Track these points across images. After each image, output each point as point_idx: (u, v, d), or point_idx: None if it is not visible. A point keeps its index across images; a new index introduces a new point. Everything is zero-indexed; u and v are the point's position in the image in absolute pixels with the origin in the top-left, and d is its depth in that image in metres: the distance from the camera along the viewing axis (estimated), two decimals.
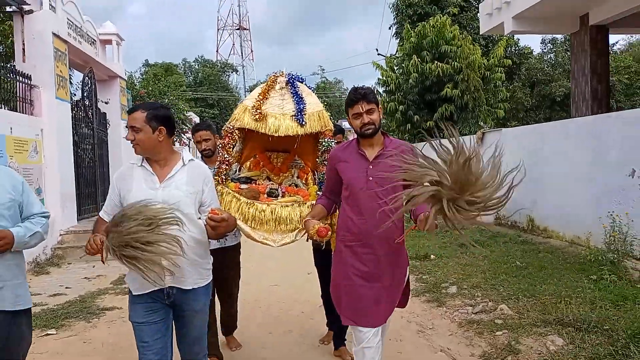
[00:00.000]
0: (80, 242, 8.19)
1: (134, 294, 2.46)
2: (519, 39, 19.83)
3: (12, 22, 11.06)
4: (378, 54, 20.13)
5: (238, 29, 68.23)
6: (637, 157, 5.77)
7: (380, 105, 2.68)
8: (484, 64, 13.32)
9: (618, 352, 3.19)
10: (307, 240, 2.81)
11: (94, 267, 7.22)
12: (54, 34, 8.77)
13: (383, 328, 2.68)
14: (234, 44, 67.21)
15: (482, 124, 13.72)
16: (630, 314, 3.78)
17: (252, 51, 68.65)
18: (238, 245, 3.86)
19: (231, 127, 3.39)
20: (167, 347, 2.48)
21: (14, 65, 8.40)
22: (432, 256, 7.04)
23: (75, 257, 8.01)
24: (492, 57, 13.37)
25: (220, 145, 3.48)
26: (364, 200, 2.56)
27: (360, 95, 2.59)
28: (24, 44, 8.49)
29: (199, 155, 3.85)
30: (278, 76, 3.51)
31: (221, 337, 3.95)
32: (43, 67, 8.51)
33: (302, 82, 3.52)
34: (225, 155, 3.40)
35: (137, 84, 24.52)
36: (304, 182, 3.66)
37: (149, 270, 2.14)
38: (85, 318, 4.80)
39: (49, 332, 4.48)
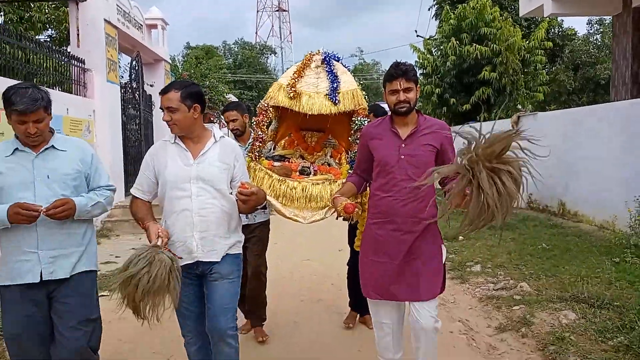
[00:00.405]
0: (128, 216, 8.81)
1: None
2: (562, 20, 19.27)
3: (65, 9, 11.74)
4: (417, 36, 19.94)
5: (277, 11, 68.34)
6: None
7: (418, 85, 2.65)
8: (524, 46, 13.15)
9: (625, 325, 3.39)
10: (337, 218, 2.80)
11: (140, 239, 7.78)
12: (106, 20, 9.31)
13: (417, 310, 2.56)
14: (272, 26, 67.44)
15: (520, 107, 13.59)
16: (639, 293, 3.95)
17: (290, 33, 68.74)
18: (267, 222, 3.88)
19: (266, 105, 3.41)
20: (204, 313, 2.58)
21: (69, 51, 9.01)
22: (460, 237, 7.24)
23: (123, 229, 8.64)
24: (533, 40, 13.17)
25: (254, 123, 3.48)
26: (395, 178, 2.55)
27: (400, 71, 2.53)
28: (78, 30, 9.06)
29: (232, 135, 3.95)
30: (314, 54, 3.51)
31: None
32: (95, 51, 9.08)
33: (338, 61, 3.50)
34: (259, 133, 3.42)
35: (180, 66, 25.25)
36: (337, 161, 3.68)
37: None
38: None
39: (102, 294, 5.01)
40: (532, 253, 5.90)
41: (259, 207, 2.62)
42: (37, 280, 2.35)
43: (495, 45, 12.40)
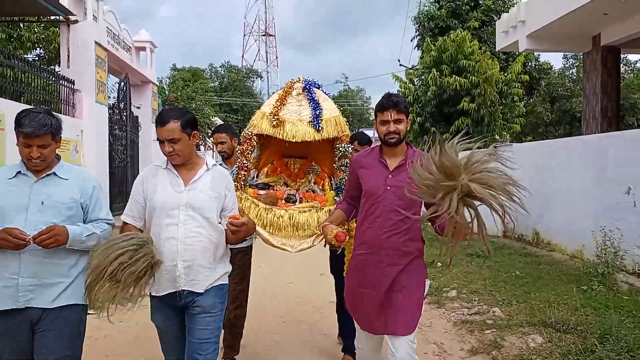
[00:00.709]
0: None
1: (152, 294, 2.51)
2: (539, 55, 20.05)
3: (55, 29, 11.91)
4: (400, 65, 20.57)
5: (264, 35, 69.32)
6: (634, 175, 6.13)
7: (409, 117, 2.67)
8: (501, 79, 13.68)
9: (587, 349, 3.62)
10: (325, 245, 2.79)
11: None
12: (96, 43, 9.52)
13: (395, 345, 2.53)
14: (259, 50, 68.26)
15: (497, 137, 14.05)
16: (604, 319, 4.19)
17: (276, 57, 69.63)
18: (249, 249, 3.82)
19: (249, 133, 3.44)
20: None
21: (59, 71, 9.16)
22: (438, 264, 7.47)
23: None
24: (510, 73, 13.71)
25: (239, 152, 3.49)
26: (380, 210, 2.55)
27: (392, 103, 2.56)
28: (69, 51, 9.25)
29: (219, 157, 3.96)
30: (295, 82, 3.56)
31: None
32: (85, 73, 9.26)
33: (318, 88, 3.56)
34: (244, 161, 3.44)
35: (166, 87, 25.45)
36: (320, 187, 3.69)
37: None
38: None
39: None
40: (505, 280, 6.14)
41: (247, 238, 2.62)
42: (12, 306, 2.28)
43: (474, 77, 12.89)
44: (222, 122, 4.55)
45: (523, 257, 7.56)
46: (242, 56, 65.53)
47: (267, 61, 67.88)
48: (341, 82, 52.68)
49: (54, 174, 2.41)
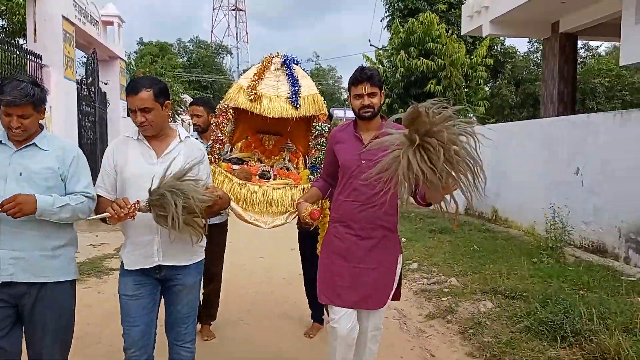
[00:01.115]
0: None
1: (125, 268, 2.46)
2: (504, 39, 20.57)
3: (19, 1, 11.59)
4: (370, 45, 20.79)
5: (234, 10, 68.16)
6: (583, 156, 6.60)
7: (383, 90, 2.65)
8: (467, 62, 14.07)
9: (530, 312, 4.02)
10: (298, 223, 2.79)
11: (97, 236, 7.94)
12: (63, 17, 9.36)
13: (364, 318, 2.65)
14: (229, 25, 67.20)
15: (463, 117, 14.50)
16: (548, 286, 4.62)
17: (247, 33, 68.70)
18: (224, 224, 3.87)
19: (225, 106, 3.36)
20: (151, 324, 2.48)
21: (25, 45, 9.00)
22: (403, 239, 7.85)
23: (79, 227, 8.72)
24: (475, 56, 14.13)
25: (214, 124, 3.42)
26: (355, 183, 2.55)
27: (365, 76, 2.55)
28: (35, 25, 9.06)
29: (192, 130, 3.98)
30: (273, 57, 3.48)
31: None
32: (53, 47, 9.11)
33: (297, 65, 3.49)
34: (219, 135, 3.37)
35: (133, 63, 24.96)
36: (294, 165, 3.67)
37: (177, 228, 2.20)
38: (96, 275, 5.57)
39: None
40: (463, 254, 6.56)
41: (222, 212, 2.62)
42: None
43: (440, 60, 13.24)
44: (193, 99, 4.51)
45: (482, 233, 8.01)
46: (212, 31, 64.45)
47: (237, 37, 66.95)
48: (312, 61, 52.59)
49: (34, 144, 2.34)
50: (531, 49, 25.96)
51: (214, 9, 67.07)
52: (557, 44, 10.11)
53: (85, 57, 12.17)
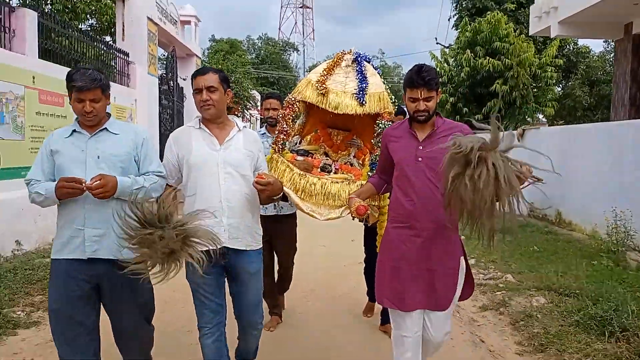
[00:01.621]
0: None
1: None
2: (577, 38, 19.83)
3: (107, 1, 12.64)
4: (437, 43, 20.68)
5: (301, 7, 69.18)
6: None
7: (439, 90, 2.59)
8: (535, 62, 13.80)
9: (581, 309, 4.15)
10: (353, 218, 2.79)
11: None
12: (148, 18, 10.21)
13: (430, 321, 2.58)
14: (296, 22, 68.29)
15: (529, 120, 14.25)
16: (601, 286, 4.69)
17: (313, 30, 69.52)
18: (294, 215, 3.97)
19: (293, 99, 3.43)
20: (222, 305, 2.61)
21: (116, 45, 9.90)
22: (462, 237, 7.98)
23: None
24: (545, 56, 13.82)
25: (280, 116, 3.50)
26: (412, 181, 2.50)
27: (422, 81, 2.45)
28: (123, 26, 9.96)
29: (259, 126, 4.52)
30: (346, 54, 3.52)
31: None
32: (138, 46, 9.99)
33: (368, 62, 3.51)
34: (284, 126, 3.42)
35: (205, 59, 26.18)
36: (360, 162, 3.66)
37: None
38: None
39: None
40: (522, 253, 6.64)
41: (274, 197, 2.68)
42: (83, 257, 2.39)
43: (507, 60, 13.08)
44: (266, 93, 4.76)
45: (544, 235, 7.99)
46: (279, 28, 65.76)
47: (303, 34, 67.93)
48: (378, 58, 52.48)
49: (106, 129, 2.49)
50: (607, 49, 24.75)
51: (282, 7, 68.44)
52: (630, 46, 9.78)
53: (165, 54, 13.06)
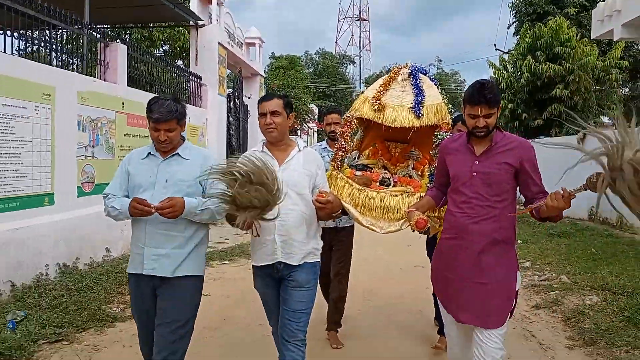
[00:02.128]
0: None
1: (253, 264, 2.75)
2: None
3: (179, 29, 13.73)
4: (496, 49, 20.56)
5: (358, 20, 69.98)
6: None
7: (500, 105, 2.52)
8: (599, 65, 13.56)
9: (633, 306, 4.32)
10: (413, 230, 2.75)
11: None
12: (219, 43, 11.07)
13: (481, 339, 2.44)
14: (352, 35, 69.13)
15: (591, 124, 13.94)
16: None
17: (369, 42, 70.08)
18: (352, 227, 4.03)
19: (350, 116, 3.50)
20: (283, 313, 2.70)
21: (185, 67, 10.83)
22: (519, 241, 8.14)
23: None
24: (609, 59, 13.55)
25: (338, 133, 3.59)
26: (466, 196, 2.50)
27: (484, 99, 2.40)
28: (197, 51, 10.87)
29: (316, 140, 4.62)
30: (402, 68, 3.56)
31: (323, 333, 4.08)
32: (210, 70, 10.85)
33: (425, 74, 3.53)
34: (343, 143, 3.49)
35: (265, 76, 27.35)
36: (419, 173, 3.66)
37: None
38: (246, 256, 6.80)
39: (224, 262, 6.55)
40: (579, 256, 6.74)
41: (334, 214, 2.78)
42: (141, 272, 2.59)
43: (568, 64, 12.96)
44: (327, 108, 4.74)
45: (603, 238, 7.97)
46: (336, 42, 66.82)
47: (360, 45, 68.61)
48: (435, 66, 52.11)
49: (178, 154, 2.65)
50: None
51: (338, 21, 69.55)
52: None
53: (232, 74, 13.97)
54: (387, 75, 3.58)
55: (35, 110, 5.26)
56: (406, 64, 3.59)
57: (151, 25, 13.27)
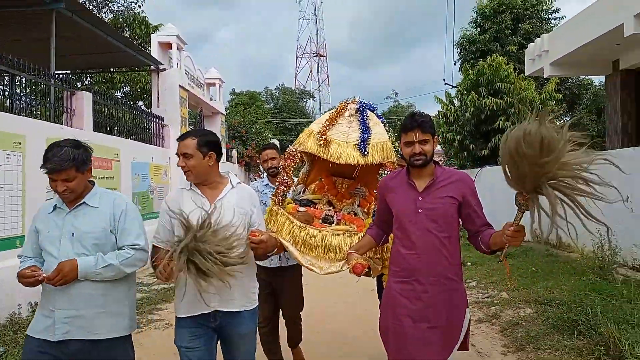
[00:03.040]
0: None
1: (178, 316, 2.50)
2: None
3: (141, 72, 14.12)
4: (445, 84, 21.79)
5: (315, 56, 71.93)
6: (631, 186, 7.25)
7: (436, 136, 2.53)
8: (536, 98, 14.71)
9: (559, 315, 4.92)
10: (350, 273, 2.66)
11: None
12: (180, 86, 11.54)
13: None
14: (311, 71, 70.89)
15: None
16: (582, 297, 5.43)
17: (328, 76, 71.97)
18: (300, 266, 3.73)
19: (294, 150, 3.39)
20: None
21: (152, 111, 11.23)
22: (468, 263, 8.77)
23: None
24: (544, 92, 14.74)
25: (281, 167, 3.46)
26: (414, 234, 2.43)
27: (416, 123, 2.43)
28: (158, 94, 11.30)
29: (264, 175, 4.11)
30: (349, 103, 3.48)
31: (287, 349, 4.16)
32: (172, 111, 11.28)
33: (373, 111, 3.46)
34: (285, 177, 3.38)
35: (225, 111, 27.85)
36: (365, 211, 3.59)
37: (207, 286, 2.18)
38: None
39: None
40: (520, 274, 7.38)
41: (268, 254, 2.67)
42: (52, 339, 2.33)
43: (508, 98, 14.03)
44: (263, 145, 5.13)
45: (544, 257, 8.69)
46: (295, 77, 68.34)
47: (318, 80, 70.30)
48: (391, 99, 54.08)
49: (85, 203, 2.44)
50: None
51: (297, 57, 71.29)
52: (619, 80, 10.66)
53: (193, 112, 14.37)
54: (334, 110, 3.51)
55: (7, 157, 5.55)
56: (354, 99, 3.53)
57: (112, 70, 13.64)
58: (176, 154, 2.55)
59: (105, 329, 2.37)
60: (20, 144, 5.78)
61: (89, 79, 15.08)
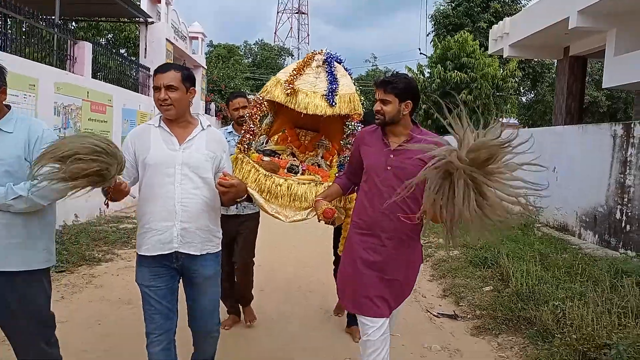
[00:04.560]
0: None
1: (140, 253, 2.42)
2: None
3: (126, 21, 14.62)
4: (420, 53, 22.85)
5: (297, 13, 71.27)
6: (557, 158, 8.58)
7: (404, 101, 2.45)
8: (498, 74, 15.94)
9: (476, 255, 6.20)
10: (319, 220, 2.67)
11: None
12: (166, 39, 12.21)
13: (390, 321, 2.53)
14: (291, 28, 70.36)
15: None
16: (499, 244, 6.73)
17: (308, 35, 71.63)
18: (257, 215, 3.87)
19: (260, 98, 3.32)
20: (173, 310, 2.46)
21: (138, 61, 11.91)
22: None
23: None
24: (506, 70, 15.97)
25: (247, 115, 3.39)
26: (380, 190, 2.45)
27: (381, 82, 2.45)
28: (146, 46, 11.96)
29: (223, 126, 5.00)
30: (317, 54, 3.42)
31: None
32: (158, 62, 11.92)
33: (340, 63, 3.42)
34: (251, 125, 3.33)
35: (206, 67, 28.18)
36: (328, 163, 3.60)
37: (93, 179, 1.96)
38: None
39: None
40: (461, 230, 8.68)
41: (238, 199, 2.57)
42: None
43: (472, 73, 15.22)
44: (231, 93, 4.45)
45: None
46: (275, 33, 67.77)
47: (298, 38, 69.96)
48: (369, 62, 54.67)
49: None
50: None
51: (278, 12, 70.51)
52: (567, 65, 11.90)
53: None
54: (301, 60, 3.43)
55: (24, 97, 6.39)
56: (321, 50, 3.46)
57: (102, 19, 14.11)
58: (154, 87, 2.39)
59: (16, 262, 2.21)
60: (34, 86, 6.60)
61: (74, 24, 15.44)
